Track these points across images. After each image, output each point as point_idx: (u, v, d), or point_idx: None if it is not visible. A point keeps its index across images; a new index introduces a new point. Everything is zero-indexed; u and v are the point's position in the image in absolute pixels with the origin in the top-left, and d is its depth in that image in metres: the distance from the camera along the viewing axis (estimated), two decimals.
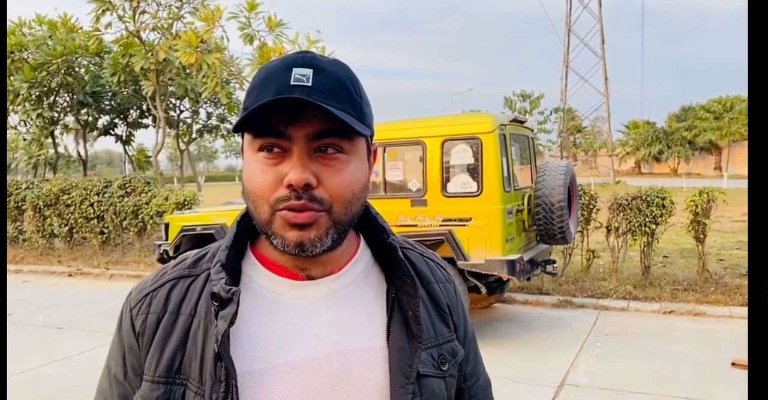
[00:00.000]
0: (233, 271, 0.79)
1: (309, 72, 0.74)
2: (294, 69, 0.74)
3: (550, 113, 43.77)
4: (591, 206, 7.46)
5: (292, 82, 0.72)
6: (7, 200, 11.04)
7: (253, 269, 0.82)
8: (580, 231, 7.43)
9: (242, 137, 0.79)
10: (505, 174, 5.62)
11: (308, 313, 0.80)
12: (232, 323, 0.73)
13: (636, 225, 7.10)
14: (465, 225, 5.37)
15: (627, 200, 7.20)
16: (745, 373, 4.45)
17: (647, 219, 7.04)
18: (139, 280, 0.88)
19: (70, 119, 16.00)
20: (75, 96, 15.02)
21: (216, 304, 0.74)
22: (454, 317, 0.92)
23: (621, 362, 4.77)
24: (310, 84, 0.73)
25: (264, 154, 0.75)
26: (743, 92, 45.03)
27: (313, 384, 0.77)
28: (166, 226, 6.86)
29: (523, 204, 5.95)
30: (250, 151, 0.76)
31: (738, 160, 41.98)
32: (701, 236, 7.04)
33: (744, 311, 6.04)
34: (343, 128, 0.73)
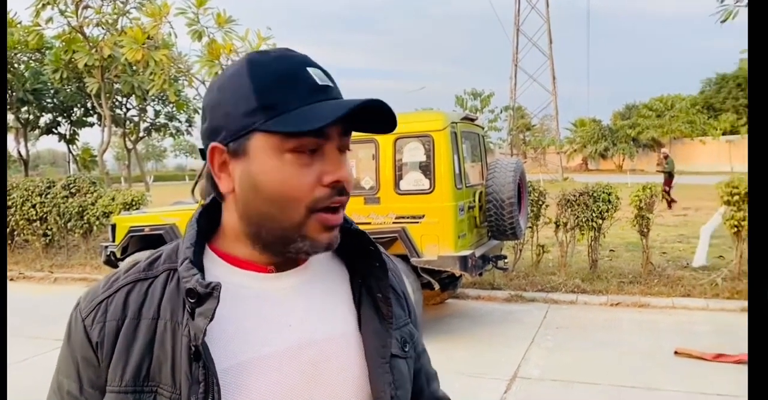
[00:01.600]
0: (198, 268, 0.77)
1: (321, 72, 0.77)
2: (308, 69, 0.76)
3: (501, 111, 44.45)
4: (540, 202, 7.63)
5: (320, 83, 0.75)
6: None
7: (215, 266, 0.81)
8: (530, 227, 7.60)
9: (225, 139, 0.77)
10: (457, 171, 5.70)
11: (280, 304, 0.80)
12: (211, 318, 0.71)
13: (583, 220, 7.30)
14: (418, 222, 5.42)
15: (574, 196, 7.40)
16: (688, 361, 4.65)
17: (594, 214, 7.25)
18: (86, 283, 0.86)
19: (9, 118, 15.36)
20: (14, 93, 14.42)
21: (192, 300, 0.72)
22: (408, 301, 0.97)
23: (570, 354, 4.90)
24: (332, 85, 0.77)
25: (294, 155, 0.74)
26: (683, 91, 46.78)
27: (292, 374, 0.77)
28: (113, 227, 6.67)
29: (474, 201, 6.04)
30: (276, 152, 0.74)
31: (678, 157, 43.54)
32: (645, 230, 7.29)
33: (685, 301, 6.32)
34: (366, 126, 0.79)
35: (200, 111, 0.93)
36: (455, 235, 5.48)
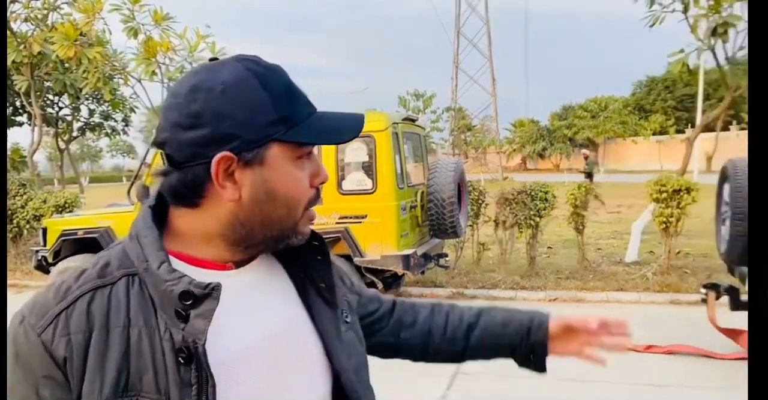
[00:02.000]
0: None
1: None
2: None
3: (442, 112, 45.15)
4: (480, 201, 7.79)
5: (304, 95, 0.85)
6: None
7: (176, 265, 0.80)
8: (470, 225, 7.75)
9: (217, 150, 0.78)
10: (399, 171, 5.76)
11: (244, 298, 0.84)
12: (210, 320, 0.73)
13: (522, 218, 7.50)
14: (361, 222, 5.45)
15: (513, 194, 7.59)
16: (621, 353, 4.84)
17: (532, 212, 7.45)
18: (16, 290, 0.82)
19: None
20: None
21: (187, 303, 0.72)
22: (344, 277, 1.07)
23: None
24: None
25: (300, 161, 0.82)
26: (616, 93, 48.60)
27: (265, 365, 0.82)
28: (44, 230, 6.41)
29: (416, 200, 6.12)
30: (286, 160, 0.80)
31: (612, 157, 45.29)
32: (580, 228, 7.55)
33: (619, 295, 6.58)
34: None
35: (156, 112, 0.91)
36: (398, 234, 5.54)
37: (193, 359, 0.72)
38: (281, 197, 0.80)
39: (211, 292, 0.73)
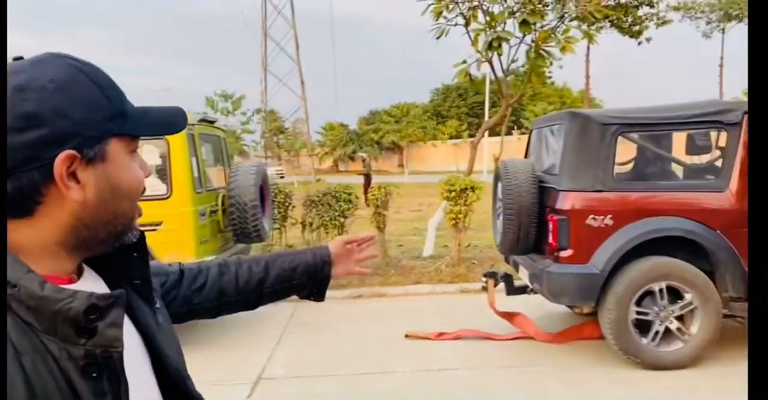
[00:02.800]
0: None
1: None
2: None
3: (252, 114, 44.46)
4: (287, 204, 7.79)
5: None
6: None
7: None
8: (278, 228, 7.72)
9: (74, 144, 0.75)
10: (196, 175, 5.53)
11: None
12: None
13: (328, 219, 7.65)
14: (155, 229, 5.12)
15: (318, 196, 7.72)
16: (416, 342, 5.15)
17: (336, 213, 7.64)
18: None
19: None
20: None
21: (92, 317, 0.71)
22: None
23: (314, 350, 5.09)
24: None
25: (133, 154, 0.83)
26: (417, 99, 51.69)
27: (135, 364, 0.83)
28: None
29: (217, 205, 5.92)
30: (126, 153, 0.81)
31: (415, 159, 48.17)
32: (382, 226, 7.90)
33: (416, 288, 7.00)
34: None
35: None
36: (196, 241, 5.31)
37: (103, 369, 0.72)
38: (125, 191, 0.80)
39: (116, 300, 0.73)
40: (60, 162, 0.74)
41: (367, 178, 18.14)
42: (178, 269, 1.20)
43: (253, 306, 1.29)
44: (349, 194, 7.78)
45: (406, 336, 5.27)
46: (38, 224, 0.76)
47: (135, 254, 0.91)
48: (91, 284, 0.85)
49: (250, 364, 4.73)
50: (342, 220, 7.69)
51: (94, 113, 0.77)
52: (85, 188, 0.76)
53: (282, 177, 39.51)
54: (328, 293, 5.46)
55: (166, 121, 0.88)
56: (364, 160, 19.21)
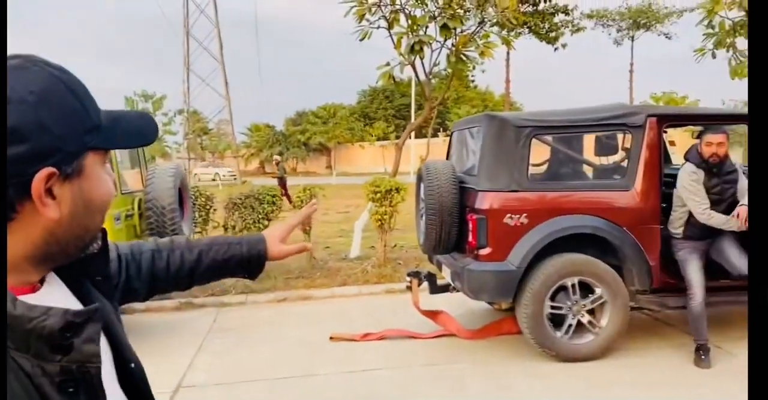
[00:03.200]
0: None
1: None
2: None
3: (174, 115, 43.12)
4: (208, 207, 7.61)
5: None
6: None
7: None
8: (198, 232, 7.52)
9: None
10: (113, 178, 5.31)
11: None
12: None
13: (251, 222, 7.52)
14: None
15: (241, 199, 7.58)
16: (341, 344, 5.15)
17: (260, 216, 7.52)
18: None
19: None
20: None
21: (68, 335, 0.70)
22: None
23: (236, 355, 4.99)
24: None
25: (103, 166, 0.80)
26: (345, 100, 51.68)
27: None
28: None
29: (132, 209, 5.71)
30: (100, 166, 0.79)
31: (343, 160, 48.16)
32: (308, 228, 7.84)
33: (342, 289, 6.99)
34: None
35: None
36: None
37: (81, 385, 0.71)
38: (98, 205, 0.80)
39: (93, 315, 0.72)
40: (39, 180, 0.71)
41: (281, 180, 17.99)
42: (115, 256, 1.18)
43: (183, 289, 1.33)
44: (273, 196, 7.69)
45: (331, 338, 5.26)
46: (9, 239, 0.73)
47: (94, 251, 0.90)
48: (55, 289, 0.83)
49: (170, 371, 4.58)
50: (266, 222, 7.58)
51: (74, 127, 0.75)
52: (60, 205, 0.74)
53: (235, 178, 38.56)
54: (252, 297, 5.45)
55: (140, 131, 0.85)
56: (277, 163, 19.01)
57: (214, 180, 35.00)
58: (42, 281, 0.82)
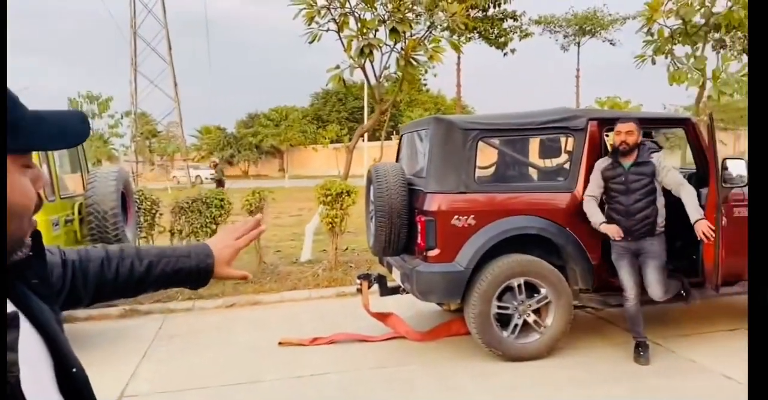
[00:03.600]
0: None
1: None
2: None
3: (122, 117, 41.90)
4: (154, 211, 7.42)
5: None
6: None
7: None
8: (144, 237, 7.32)
9: None
10: (48, 182, 5.12)
11: None
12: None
13: (198, 226, 7.37)
14: None
15: (188, 202, 7.42)
16: (290, 349, 5.10)
17: (207, 220, 7.38)
18: None
19: None
20: None
21: None
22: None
23: (183, 362, 4.88)
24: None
25: (21, 169, 0.78)
26: (297, 103, 51.34)
27: (36, 370, 0.81)
28: None
29: (72, 214, 5.53)
30: (14, 169, 0.76)
31: (296, 163, 47.80)
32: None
33: (292, 294, 6.93)
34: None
35: None
36: None
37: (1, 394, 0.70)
38: (14, 209, 0.76)
39: (12, 322, 0.71)
40: None
41: (220, 183, 17.70)
42: (60, 261, 1.16)
43: (130, 297, 1.32)
44: (221, 200, 7.55)
45: (280, 343, 5.20)
46: None
47: (30, 253, 0.87)
48: None
49: (112, 381, 4.44)
50: (213, 227, 7.44)
51: None
52: None
53: (218, 180, 37.53)
54: (199, 303, 5.35)
55: (64, 131, 0.82)
56: (215, 166, 18.68)
57: (194, 184, 34.09)
58: None
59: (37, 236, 0.90)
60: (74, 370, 0.90)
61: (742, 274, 4.79)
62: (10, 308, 0.80)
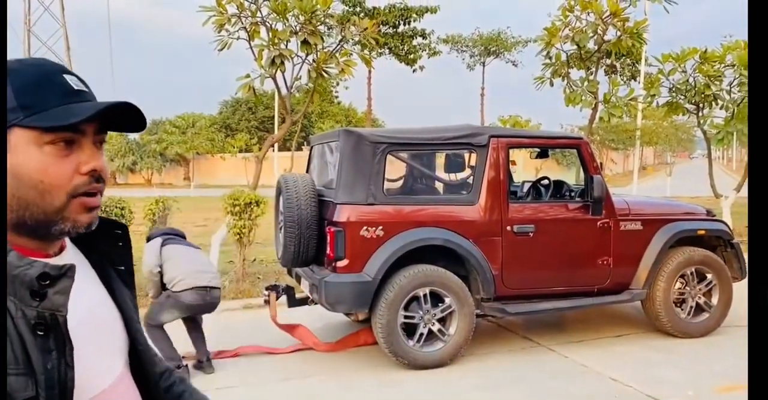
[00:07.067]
0: None
1: (76, 79, 0.91)
2: (65, 75, 0.90)
3: None
4: None
5: (75, 87, 0.90)
6: None
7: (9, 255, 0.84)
8: None
9: None
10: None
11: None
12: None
13: None
14: None
15: None
16: (192, 363, 4.95)
17: None
18: None
19: None
20: None
21: (45, 283, 0.80)
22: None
23: None
24: (87, 90, 0.92)
25: (51, 147, 0.86)
26: (205, 110, 49.96)
27: (92, 335, 0.92)
28: None
29: None
30: (30, 145, 0.85)
31: (203, 172, 46.48)
32: None
33: None
34: (116, 126, 0.94)
35: None
36: None
37: (51, 329, 0.80)
38: (27, 179, 0.84)
39: (66, 272, 0.82)
40: None
41: None
42: (165, 369, 1.22)
43: None
44: (122, 209, 7.25)
45: (183, 358, 5.04)
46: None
47: (120, 244, 1.05)
48: (68, 260, 0.91)
49: None
50: None
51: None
52: None
53: None
54: None
55: (80, 113, 0.86)
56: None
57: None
58: (58, 254, 0.94)
59: (123, 228, 1.05)
60: (140, 347, 1.04)
61: (628, 283, 5.21)
62: (88, 266, 1.00)
